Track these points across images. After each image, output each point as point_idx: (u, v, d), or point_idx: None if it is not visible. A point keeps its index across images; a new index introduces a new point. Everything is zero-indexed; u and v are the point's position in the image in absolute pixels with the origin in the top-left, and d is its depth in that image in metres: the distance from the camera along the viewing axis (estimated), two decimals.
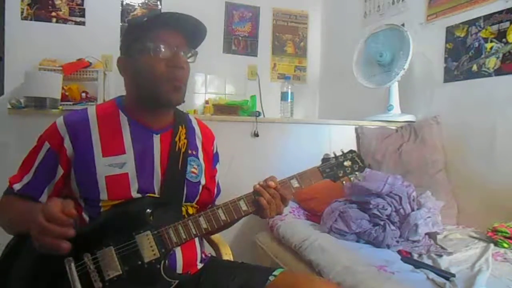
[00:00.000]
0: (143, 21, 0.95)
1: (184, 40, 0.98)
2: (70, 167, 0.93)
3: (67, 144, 0.93)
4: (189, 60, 1.00)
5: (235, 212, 0.94)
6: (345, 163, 1.04)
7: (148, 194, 0.95)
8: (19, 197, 0.94)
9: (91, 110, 0.99)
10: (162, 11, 3.03)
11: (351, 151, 1.08)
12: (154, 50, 0.93)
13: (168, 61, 0.94)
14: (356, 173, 1.05)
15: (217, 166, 1.16)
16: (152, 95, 0.96)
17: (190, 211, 1.03)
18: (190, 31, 0.99)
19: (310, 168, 1.02)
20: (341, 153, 1.07)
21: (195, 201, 1.05)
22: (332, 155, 1.06)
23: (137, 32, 0.96)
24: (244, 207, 0.95)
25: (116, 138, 0.96)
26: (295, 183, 0.99)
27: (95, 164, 0.92)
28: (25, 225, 0.82)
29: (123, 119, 0.99)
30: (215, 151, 1.15)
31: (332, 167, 1.03)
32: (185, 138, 1.04)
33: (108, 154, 0.94)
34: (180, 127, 1.05)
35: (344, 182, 1.04)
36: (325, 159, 1.05)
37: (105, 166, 0.92)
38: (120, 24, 2.98)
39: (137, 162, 0.95)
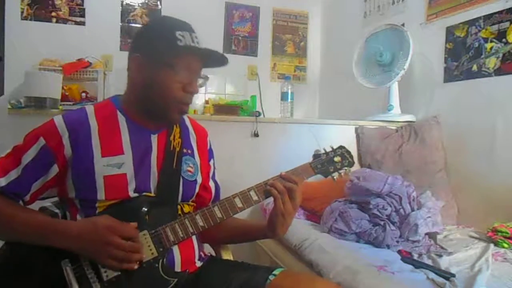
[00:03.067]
0: (179, 45, 0.92)
1: (201, 65, 0.99)
2: (66, 166, 0.92)
3: (66, 143, 0.91)
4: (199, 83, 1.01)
5: (230, 209, 0.95)
6: (335, 159, 1.07)
7: (144, 193, 0.95)
8: (3, 196, 0.89)
9: (90, 110, 0.98)
10: (162, 11, 3.06)
11: (340, 147, 1.10)
12: (178, 70, 0.93)
13: (186, 85, 0.95)
14: (346, 168, 1.08)
15: (211, 162, 1.15)
16: (158, 110, 0.96)
17: (186, 209, 1.03)
18: (210, 65, 1.00)
19: (301, 165, 1.04)
20: (331, 149, 1.09)
21: (191, 200, 1.05)
22: (323, 151, 1.08)
23: (167, 44, 0.92)
24: (239, 204, 0.96)
25: (114, 138, 0.95)
26: None
27: (94, 164, 0.91)
28: (48, 239, 0.85)
29: (121, 119, 0.98)
30: (209, 147, 1.15)
31: (323, 163, 1.06)
32: (179, 138, 1.04)
33: (107, 154, 0.93)
34: (174, 126, 1.05)
35: (335, 177, 1.07)
36: (316, 155, 1.08)
37: (103, 166, 0.92)
38: (120, 24, 2.98)
39: (135, 162, 0.95)
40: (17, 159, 0.91)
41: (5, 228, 0.88)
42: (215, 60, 1.00)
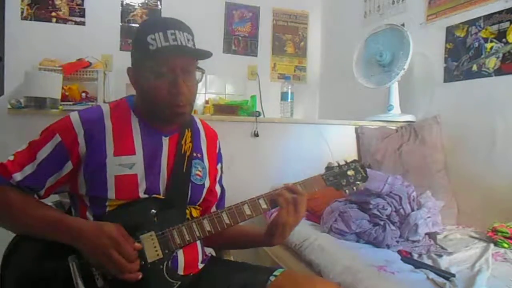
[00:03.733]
0: (151, 49, 0.90)
1: (186, 61, 0.94)
2: (80, 163, 0.93)
3: (81, 140, 0.92)
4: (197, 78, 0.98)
5: (238, 216, 0.95)
6: (348, 172, 1.06)
7: (154, 195, 0.95)
8: (19, 191, 0.90)
9: (105, 109, 0.98)
10: (162, 11, 3.06)
11: (354, 161, 1.09)
12: (158, 75, 0.92)
13: (170, 86, 0.92)
14: (359, 182, 1.07)
15: (219, 166, 1.15)
16: (155, 114, 0.97)
17: (194, 213, 1.04)
18: (195, 56, 0.97)
19: (313, 176, 1.04)
20: (344, 163, 1.08)
21: (198, 203, 1.05)
22: (336, 164, 1.07)
23: (141, 53, 0.93)
24: (247, 211, 0.95)
25: (127, 139, 0.96)
26: None
27: (106, 162, 0.92)
28: (56, 235, 0.86)
29: (134, 121, 0.99)
30: (218, 150, 1.16)
31: (335, 175, 1.05)
32: (190, 142, 1.04)
33: (119, 153, 0.94)
34: (186, 130, 1.05)
35: (347, 191, 1.06)
36: (329, 168, 1.07)
37: (115, 165, 0.92)
38: (120, 24, 2.98)
39: (145, 163, 0.95)
40: (32, 154, 0.92)
41: (16, 220, 0.90)
42: (198, 57, 0.96)
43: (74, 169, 0.93)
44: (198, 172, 1.04)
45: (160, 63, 0.91)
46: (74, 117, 0.94)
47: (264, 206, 0.97)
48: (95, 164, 0.92)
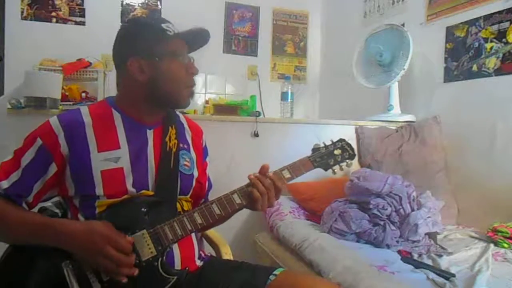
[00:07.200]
0: (170, 35, 0.98)
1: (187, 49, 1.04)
2: (64, 164, 0.93)
3: (62, 141, 0.93)
4: None
5: (229, 206, 0.95)
6: (335, 152, 1.06)
7: (143, 191, 0.95)
8: (6, 200, 0.90)
9: (84, 109, 1.00)
10: (162, 11, 3.06)
11: (340, 140, 1.09)
12: (179, 56, 0.99)
13: (188, 68, 1.01)
14: (347, 161, 1.06)
15: (207, 160, 1.17)
16: (171, 96, 1.00)
17: (186, 207, 1.04)
18: (196, 45, 1.06)
19: (300, 159, 1.04)
20: (330, 143, 1.08)
21: (189, 194, 1.06)
22: (322, 145, 1.07)
23: (160, 37, 0.98)
24: (237, 200, 0.96)
25: (110, 134, 0.97)
26: (287, 174, 1.01)
27: (91, 159, 0.93)
28: (45, 239, 0.85)
29: (116, 116, 1.00)
30: (204, 145, 1.17)
31: (322, 156, 1.05)
32: (175, 138, 1.05)
33: (103, 149, 0.95)
34: (170, 127, 1.06)
35: (335, 170, 1.05)
36: (315, 149, 1.07)
37: (100, 161, 0.93)
38: (120, 24, 2.98)
39: (131, 156, 0.96)
40: (17, 161, 0.93)
41: (2, 229, 0.89)
42: (200, 39, 1.05)
43: (59, 171, 0.93)
44: (186, 163, 1.05)
45: (178, 46, 1.00)
46: (53, 120, 0.95)
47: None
48: (80, 163, 0.92)
